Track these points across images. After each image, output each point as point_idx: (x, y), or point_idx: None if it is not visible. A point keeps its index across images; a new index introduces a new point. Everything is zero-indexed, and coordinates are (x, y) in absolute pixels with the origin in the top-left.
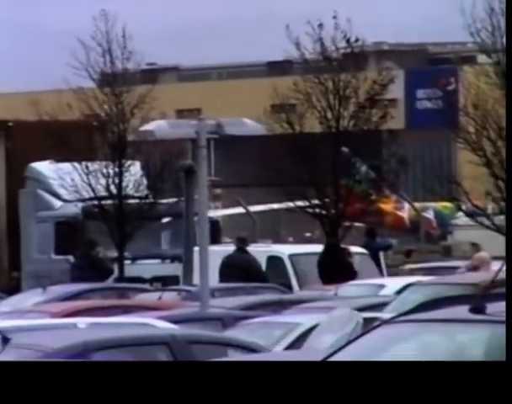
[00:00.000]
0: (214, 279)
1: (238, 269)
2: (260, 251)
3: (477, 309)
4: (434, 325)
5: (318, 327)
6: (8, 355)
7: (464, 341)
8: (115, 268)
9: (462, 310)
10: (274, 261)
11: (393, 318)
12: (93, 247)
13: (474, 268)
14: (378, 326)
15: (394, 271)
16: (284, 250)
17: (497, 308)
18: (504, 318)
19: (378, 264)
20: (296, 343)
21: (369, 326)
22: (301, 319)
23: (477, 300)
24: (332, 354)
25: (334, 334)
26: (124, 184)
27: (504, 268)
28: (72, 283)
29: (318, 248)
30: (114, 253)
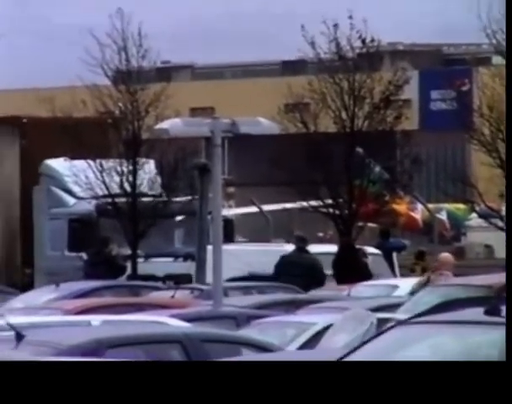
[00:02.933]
0: (227, 278)
1: (300, 268)
2: (273, 250)
3: (492, 311)
4: (449, 327)
5: (332, 327)
6: (22, 352)
7: (478, 343)
8: (128, 265)
9: (477, 313)
10: None
11: (408, 319)
12: (107, 245)
13: (435, 269)
14: (393, 327)
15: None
16: None
17: None
18: None
19: (391, 265)
20: (310, 343)
21: (382, 326)
22: (314, 319)
23: (491, 302)
24: (346, 355)
25: (348, 334)
26: (138, 182)
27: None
28: (84, 280)
29: (332, 248)
30: (127, 251)
